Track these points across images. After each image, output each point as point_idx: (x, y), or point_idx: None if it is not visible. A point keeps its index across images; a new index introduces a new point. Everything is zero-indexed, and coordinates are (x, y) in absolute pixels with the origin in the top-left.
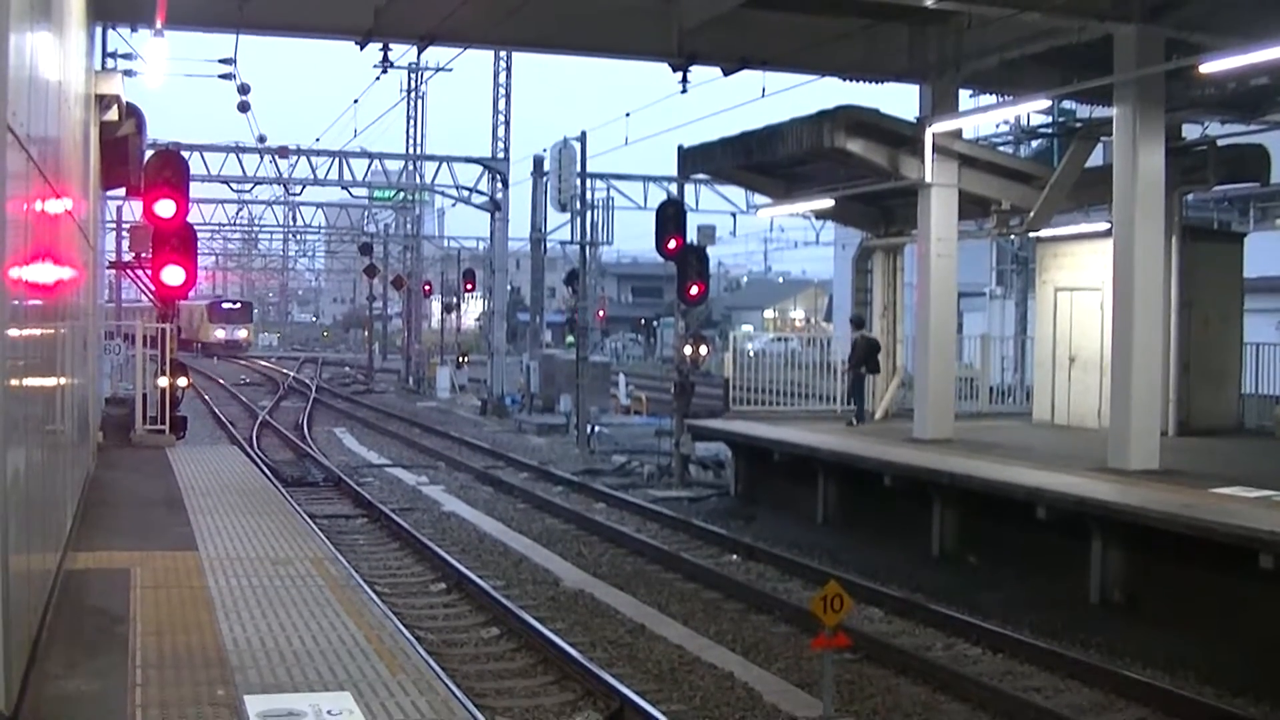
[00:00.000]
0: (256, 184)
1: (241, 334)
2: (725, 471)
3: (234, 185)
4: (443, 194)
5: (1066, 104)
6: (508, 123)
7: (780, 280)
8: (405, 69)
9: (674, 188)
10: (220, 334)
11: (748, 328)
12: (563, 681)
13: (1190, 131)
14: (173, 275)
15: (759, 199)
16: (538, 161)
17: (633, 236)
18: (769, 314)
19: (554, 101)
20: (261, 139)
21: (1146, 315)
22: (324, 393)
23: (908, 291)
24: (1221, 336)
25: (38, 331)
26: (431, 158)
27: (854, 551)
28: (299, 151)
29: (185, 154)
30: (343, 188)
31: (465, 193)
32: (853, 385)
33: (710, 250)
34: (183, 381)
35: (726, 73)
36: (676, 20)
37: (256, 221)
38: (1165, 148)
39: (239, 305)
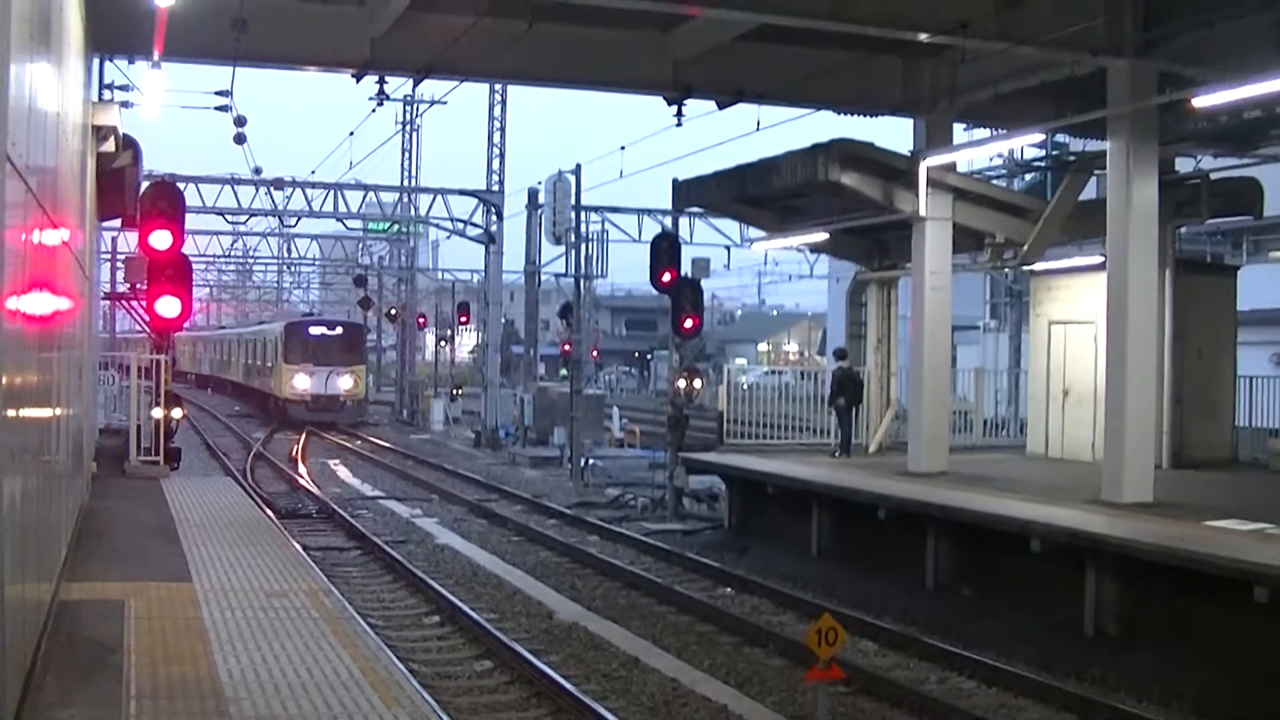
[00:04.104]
0: (252, 216)
1: (344, 383)
2: (719, 504)
3: (229, 217)
4: (437, 226)
5: (1060, 137)
6: (502, 155)
7: (774, 313)
8: (401, 102)
9: (668, 221)
10: (304, 383)
11: (742, 361)
12: (556, 714)
13: (1183, 165)
14: (168, 307)
15: (753, 232)
16: (532, 194)
17: (627, 269)
18: (763, 347)
19: (549, 134)
20: (257, 171)
21: (1140, 348)
22: (317, 424)
23: (902, 324)
24: (1215, 369)
25: (34, 361)
26: (426, 190)
27: (848, 584)
28: (294, 183)
29: (181, 185)
30: (338, 220)
31: (460, 225)
32: (838, 417)
33: (704, 283)
34: (177, 413)
35: (721, 106)
36: (672, 53)
37: (251, 253)
38: (1158, 181)
39: (337, 331)
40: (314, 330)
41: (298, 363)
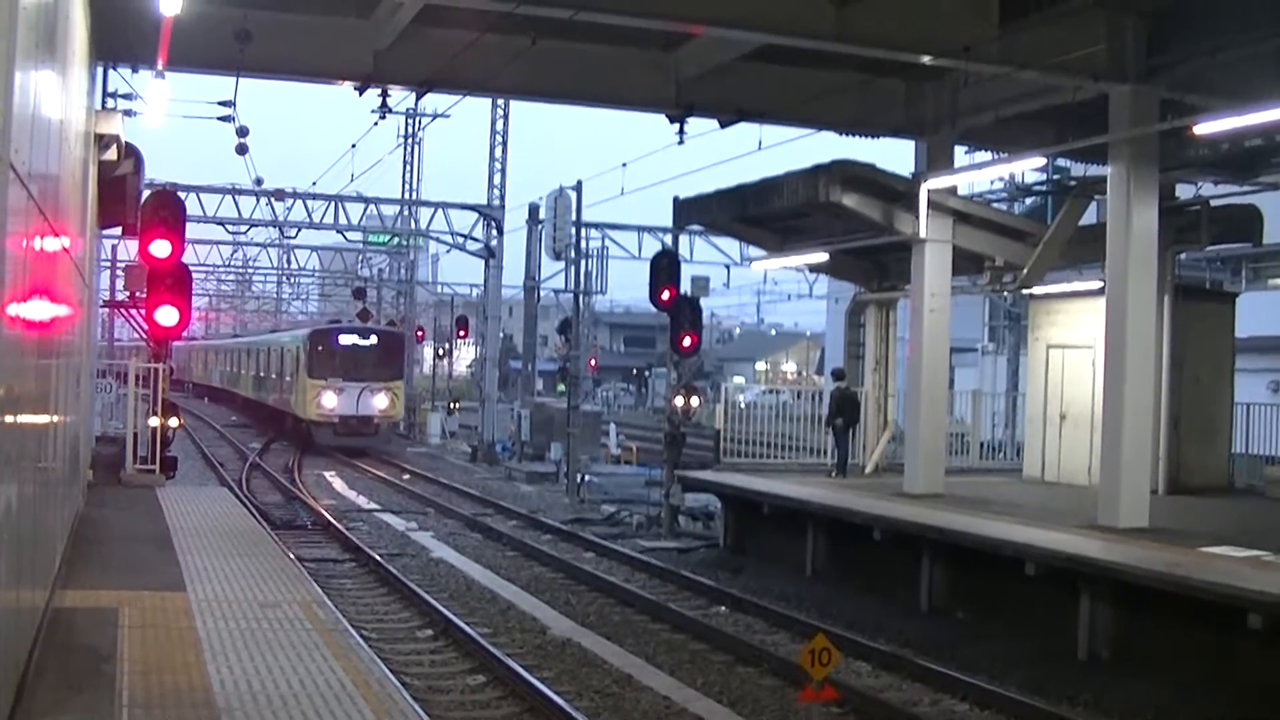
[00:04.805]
0: (252, 226)
1: (379, 403)
2: (715, 523)
3: (230, 227)
4: (438, 240)
5: (1061, 162)
6: (504, 170)
7: (773, 332)
8: (403, 114)
9: (668, 238)
10: (332, 402)
11: (740, 379)
12: None
13: (1184, 191)
14: (167, 315)
15: (753, 251)
16: (533, 209)
17: (626, 286)
18: (761, 366)
19: (550, 150)
20: (258, 181)
21: (1138, 373)
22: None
23: (900, 346)
24: (1212, 395)
25: (32, 368)
26: (427, 203)
27: (842, 604)
28: (295, 194)
29: (182, 195)
30: (338, 231)
31: (460, 239)
32: (835, 438)
33: (703, 301)
34: (174, 422)
35: (723, 125)
36: (675, 71)
37: (251, 263)
38: (1159, 207)
39: (372, 340)
40: (344, 339)
41: (325, 377)
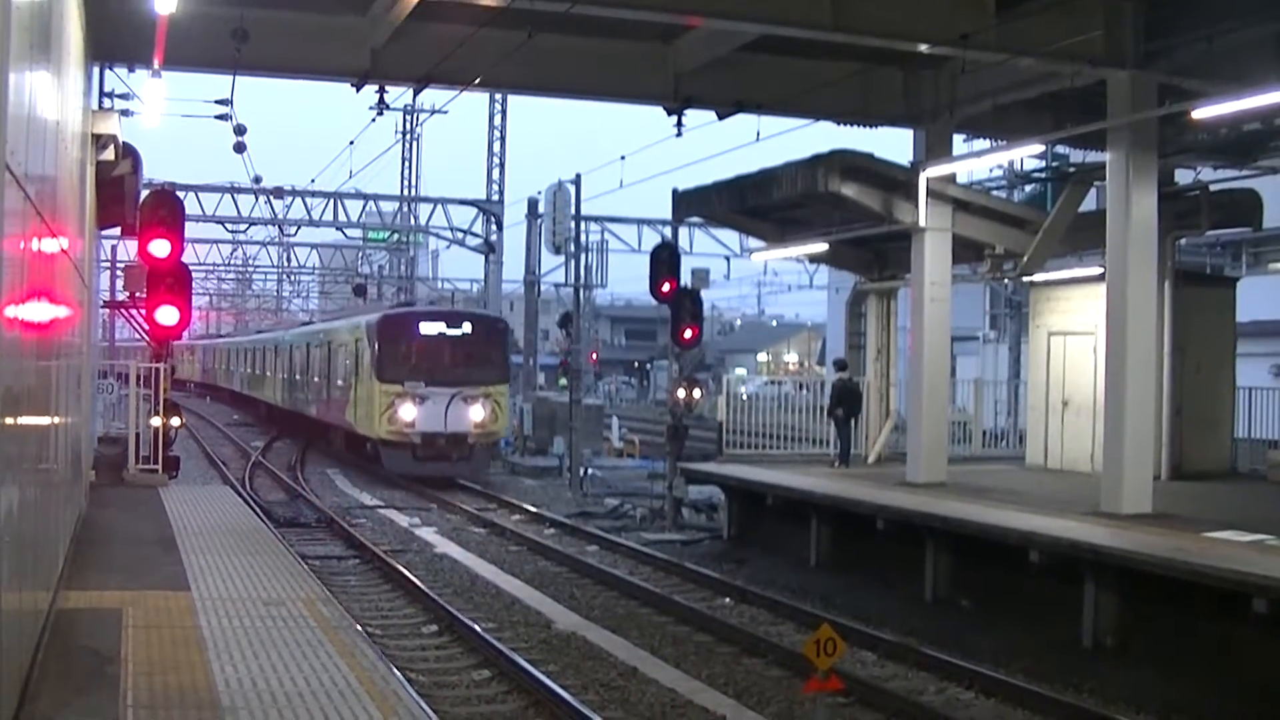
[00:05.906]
0: (251, 224)
1: (475, 415)
2: (718, 515)
3: (229, 226)
4: (437, 236)
5: (1060, 149)
6: (502, 165)
7: (774, 324)
8: (401, 111)
9: (668, 231)
10: (410, 414)
11: (741, 371)
12: None
13: (1183, 177)
14: (167, 315)
15: (753, 243)
16: (532, 204)
17: (627, 279)
18: (762, 357)
19: (549, 144)
20: (257, 179)
21: (1139, 359)
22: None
23: (901, 335)
24: (1214, 381)
25: (32, 370)
26: (426, 199)
27: (847, 595)
28: (294, 192)
29: (181, 194)
30: (337, 229)
31: (460, 235)
32: (837, 428)
33: (704, 293)
34: (176, 421)
35: (721, 116)
36: (672, 64)
37: (251, 262)
38: (1158, 192)
39: (467, 326)
40: (427, 327)
41: (401, 380)
